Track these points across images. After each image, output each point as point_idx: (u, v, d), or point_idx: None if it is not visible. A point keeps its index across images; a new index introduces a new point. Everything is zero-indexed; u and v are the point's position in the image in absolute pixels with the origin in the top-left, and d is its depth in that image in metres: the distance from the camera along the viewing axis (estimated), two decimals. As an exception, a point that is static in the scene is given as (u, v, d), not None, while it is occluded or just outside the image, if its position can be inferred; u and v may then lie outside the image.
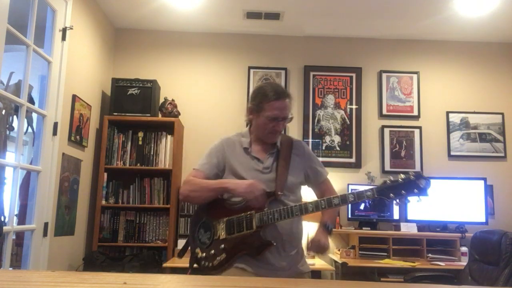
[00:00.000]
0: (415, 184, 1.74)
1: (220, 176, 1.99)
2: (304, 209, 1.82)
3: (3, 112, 2.82)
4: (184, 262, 3.38)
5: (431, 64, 4.43)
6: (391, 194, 1.76)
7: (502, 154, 4.27)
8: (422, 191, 1.74)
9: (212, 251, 1.88)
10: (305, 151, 2.07)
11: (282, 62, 4.39)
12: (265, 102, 1.92)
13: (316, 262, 3.60)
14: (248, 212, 1.85)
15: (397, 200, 1.78)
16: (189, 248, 2.01)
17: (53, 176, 3.06)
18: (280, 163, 1.96)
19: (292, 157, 2.00)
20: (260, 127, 1.97)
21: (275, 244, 1.83)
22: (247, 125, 2.12)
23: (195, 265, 1.94)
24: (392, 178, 1.79)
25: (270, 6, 3.89)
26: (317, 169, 2.06)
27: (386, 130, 4.30)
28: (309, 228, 3.81)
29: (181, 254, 2.07)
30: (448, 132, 4.31)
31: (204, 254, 1.90)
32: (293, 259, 1.94)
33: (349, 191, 3.89)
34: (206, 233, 1.92)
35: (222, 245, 1.86)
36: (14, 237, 2.80)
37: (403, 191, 1.75)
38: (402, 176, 1.77)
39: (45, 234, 2.98)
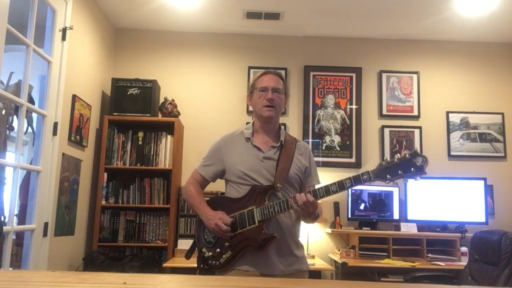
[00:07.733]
0: (411, 163, 1.68)
1: (220, 173, 2.06)
2: None
3: (3, 112, 2.82)
4: (184, 262, 3.39)
5: (431, 64, 4.43)
6: (388, 176, 1.72)
7: (502, 154, 4.27)
8: (419, 170, 1.68)
9: (218, 250, 1.91)
10: (307, 152, 2.09)
11: (282, 62, 4.39)
12: (255, 81, 2.07)
13: (316, 262, 3.59)
14: (249, 208, 1.88)
15: (395, 181, 1.75)
16: (196, 248, 2.05)
17: (53, 176, 3.06)
18: (282, 157, 1.98)
19: (295, 155, 2.02)
20: (255, 104, 2.04)
21: (278, 237, 1.84)
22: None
23: (203, 266, 1.97)
24: (388, 159, 1.75)
25: (270, 6, 3.89)
26: (312, 175, 2.08)
27: (386, 130, 4.30)
28: (309, 230, 3.82)
29: (188, 255, 2.09)
30: (448, 132, 4.31)
31: (210, 253, 1.94)
32: (295, 256, 1.95)
33: (349, 191, 3.93)
34: (211, 232, 1.95)
35: (227, 243, 1.89)
36: (14, 237, 2.79)
37: (399, 171, 1.70)
38: (398, 156, 1.72)
39: (45, 234, 2.98)
